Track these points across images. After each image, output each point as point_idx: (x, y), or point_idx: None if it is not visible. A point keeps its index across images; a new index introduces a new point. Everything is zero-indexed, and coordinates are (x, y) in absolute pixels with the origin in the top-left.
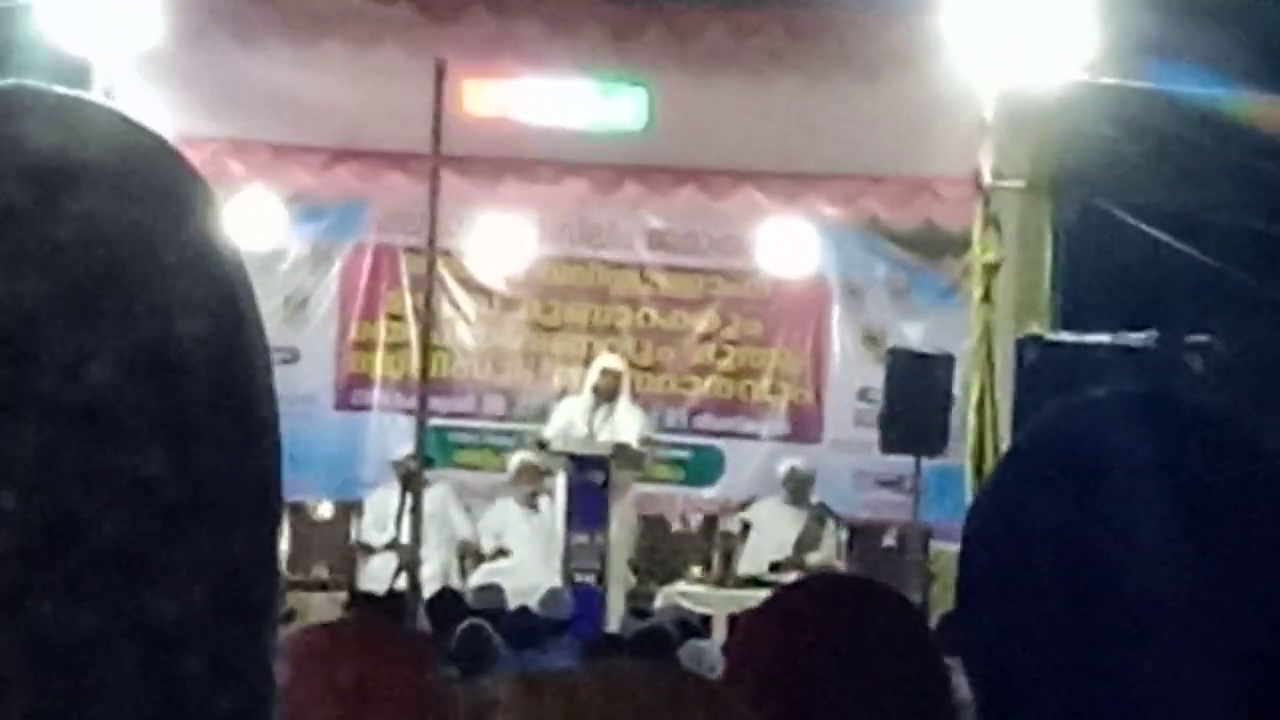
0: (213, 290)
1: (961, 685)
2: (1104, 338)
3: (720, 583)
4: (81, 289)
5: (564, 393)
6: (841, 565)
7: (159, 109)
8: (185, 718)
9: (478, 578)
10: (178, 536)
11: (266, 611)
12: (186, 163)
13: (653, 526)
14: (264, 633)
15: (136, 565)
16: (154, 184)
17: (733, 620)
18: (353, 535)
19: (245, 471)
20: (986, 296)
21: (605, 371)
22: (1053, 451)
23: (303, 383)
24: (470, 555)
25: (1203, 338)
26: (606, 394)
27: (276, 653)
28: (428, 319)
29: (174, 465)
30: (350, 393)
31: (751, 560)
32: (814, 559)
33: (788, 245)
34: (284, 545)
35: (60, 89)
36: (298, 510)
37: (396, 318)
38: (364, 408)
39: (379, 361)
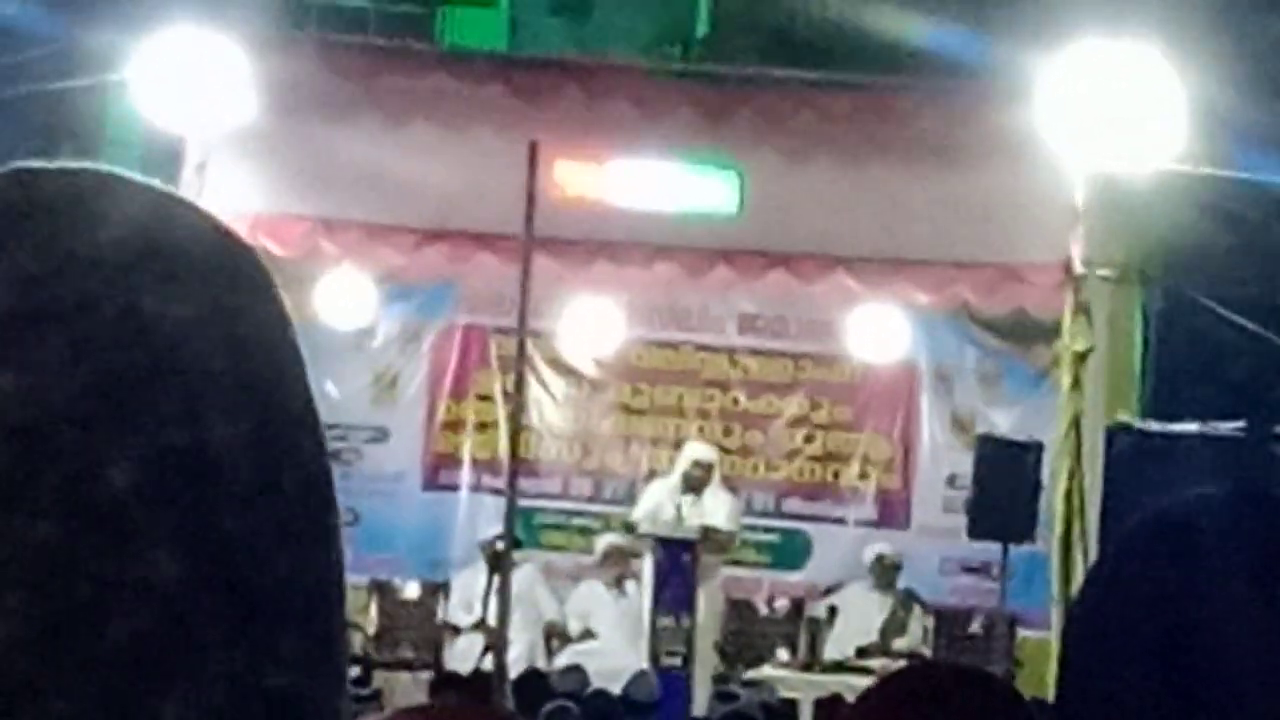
0: (260, 397)
1: None
2: (1193, 427)
3: (807, 667)
4: (109, 389)
5: (652, 475)
6: (928, 651)
7: (251, 186)
8: None
9: (564, 659)
10: (194, 641)
11: (316, 715)
12: (258, 264)
13: (739, 610)
14: None
15: (147, 668)
16: (217, 289)
17: (819, 705)
18: (439, 615)
19: (291, 581)
20: (1076, 384)
21: (697, 463)
22: (1150, 549)
23: (391, 462)
24: (557, 636)
25: None
26: (697, 484)
27: None
28: (517, 400)
29: (193, 571)
30: (438, 472)
31: (838, 645)
32: (900, 644)
33: (877, 331)
34: (370, 624)
35: (138, 177)
36: (384, 590)
37: (485, 398)
38: (452, 487)
39: (468, 441)
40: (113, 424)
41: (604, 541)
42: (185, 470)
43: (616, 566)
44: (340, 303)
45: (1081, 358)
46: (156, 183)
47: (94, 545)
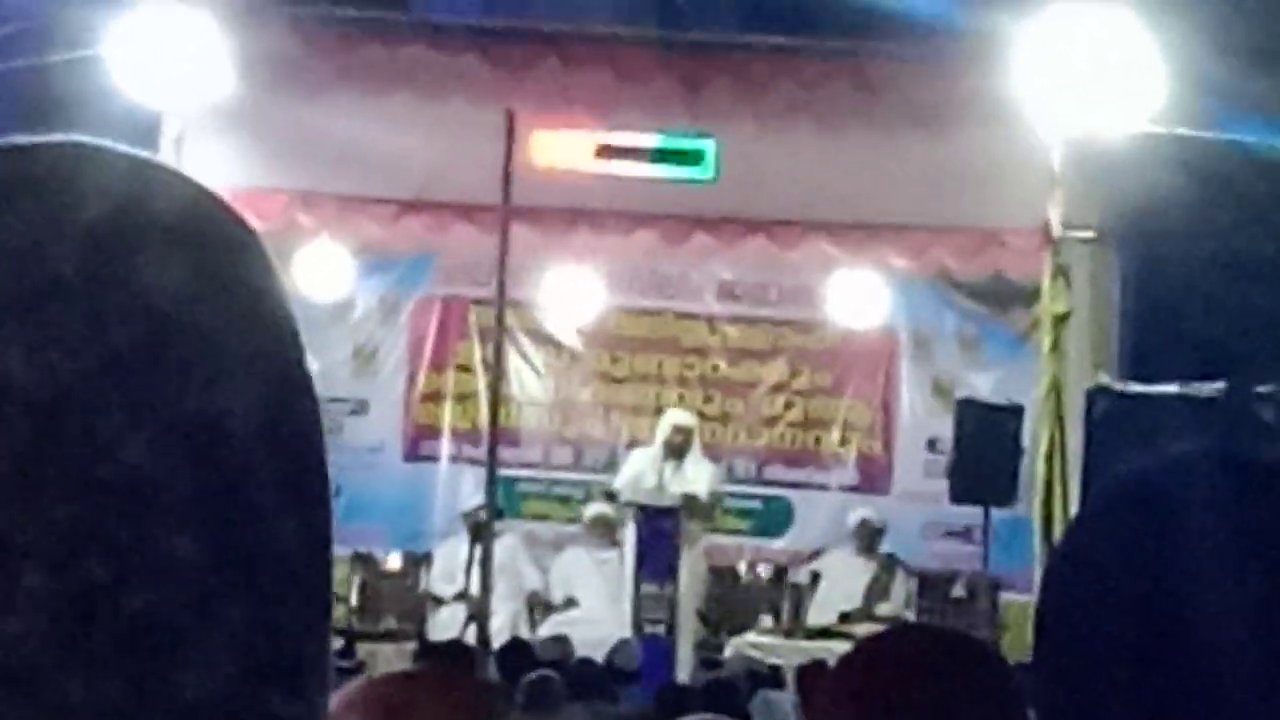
0: (262, 362)
1: None
2: (1173, 388)
3: (790, 633)
4: (120, 363)
5: (633, 443)
6: (911, 615)
7: (228, 160)
8: None
9: (547, 629)
10: (210, 614)
11: (314, 680)
12: (247, 228)
13: (722, 577)
14: (310, 703)
15: (165, 644)
16: (210, 254)
17: (802, 671)
18: (422, 586)
19: (292, 544)
20: (1055, 347)
21: (677, 428)
22: (1128, 510)
23: (371, 434)
24: (539, 606)
25: (1272, 387)
26: (677, 450)
27: (325, 717)
28: (497, 370)
29: (209, 543)
30: (419, 443)
31: (821, 611)
32: (884, 609)
33: (857, 296)
34: (353, 596)
35: (121, 147)
36: (366, 561)
37: (465, 369)
38: (432, 458)
39: (448, 412)
40: (124, 399)
41: (591, 511)
42: (196, 442)
43: (603, 536)
44: (319, 275)
45: (1060, 320)
46: (141, 152)
47: (111, 523)
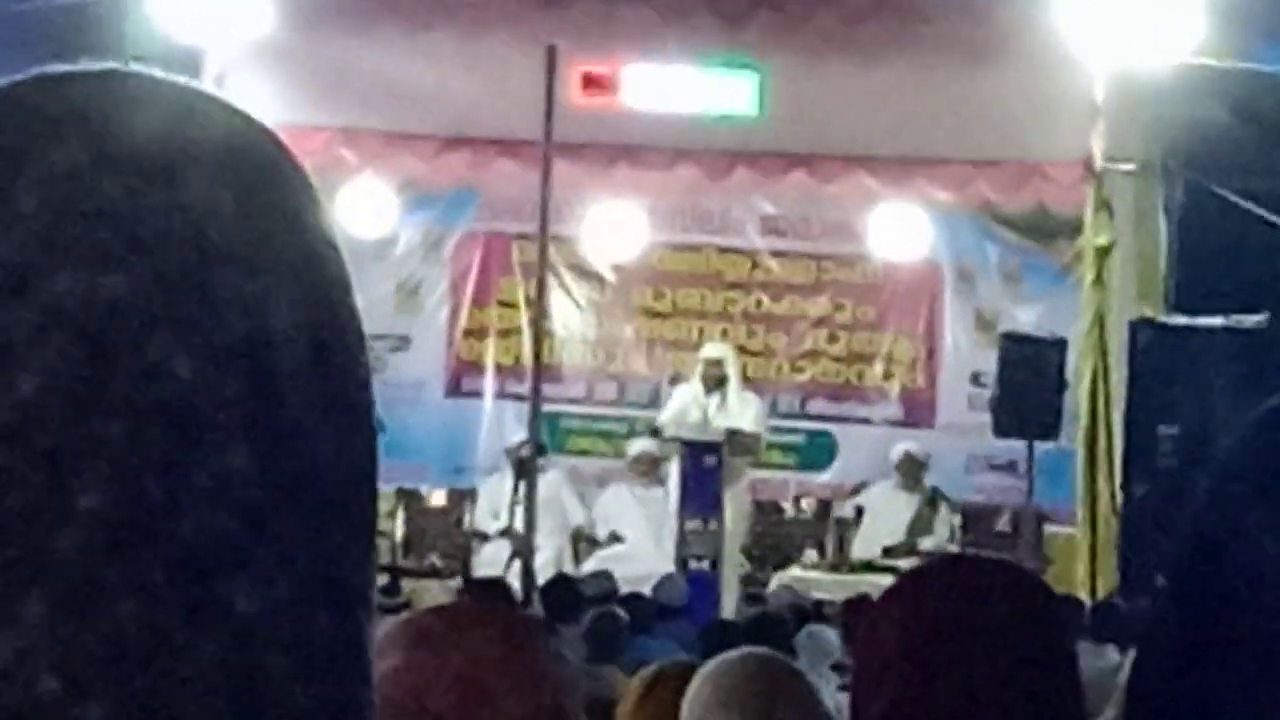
0: (307, 285)
1: (1087, 666)
2: (1216, 320)
3: (834, 567)
4: (167, 286)
5: (676, 378)
6: (955, 549)
7: (270, 97)
8: (268, 712)
9: (592, 564)
10: (262, 532)
11: (360, 604)
12: (289, 154)
13: (766, 512)
14: (357, 625)
15: (218, 562)
16: (253, 178)
17: (847, 604)
18: (466, 522)
19: (337, 465)
20: (1099, 280)
21: (709, 361)
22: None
23: (414, 369)
24: (584, 541)
25: None
26: (712, 382)
27: (372, 643)
28: (540, 305)
29: (259, 461)
30: (461, 379)
31: (865, 545)
32: (927, 543)
33: (899, 230)
34: (398, 533)
35: (163, 75)
36: (411, 497)
37: (508, 304)
38: (475, 394)
39: (491, 348)
40: (172, 321)
41: (636, 447)
42: (243, 363)
43: (648, 472)
44: (362, 211)
45: (1103, 253)
46: (184, 80)
47: (163, 442)
